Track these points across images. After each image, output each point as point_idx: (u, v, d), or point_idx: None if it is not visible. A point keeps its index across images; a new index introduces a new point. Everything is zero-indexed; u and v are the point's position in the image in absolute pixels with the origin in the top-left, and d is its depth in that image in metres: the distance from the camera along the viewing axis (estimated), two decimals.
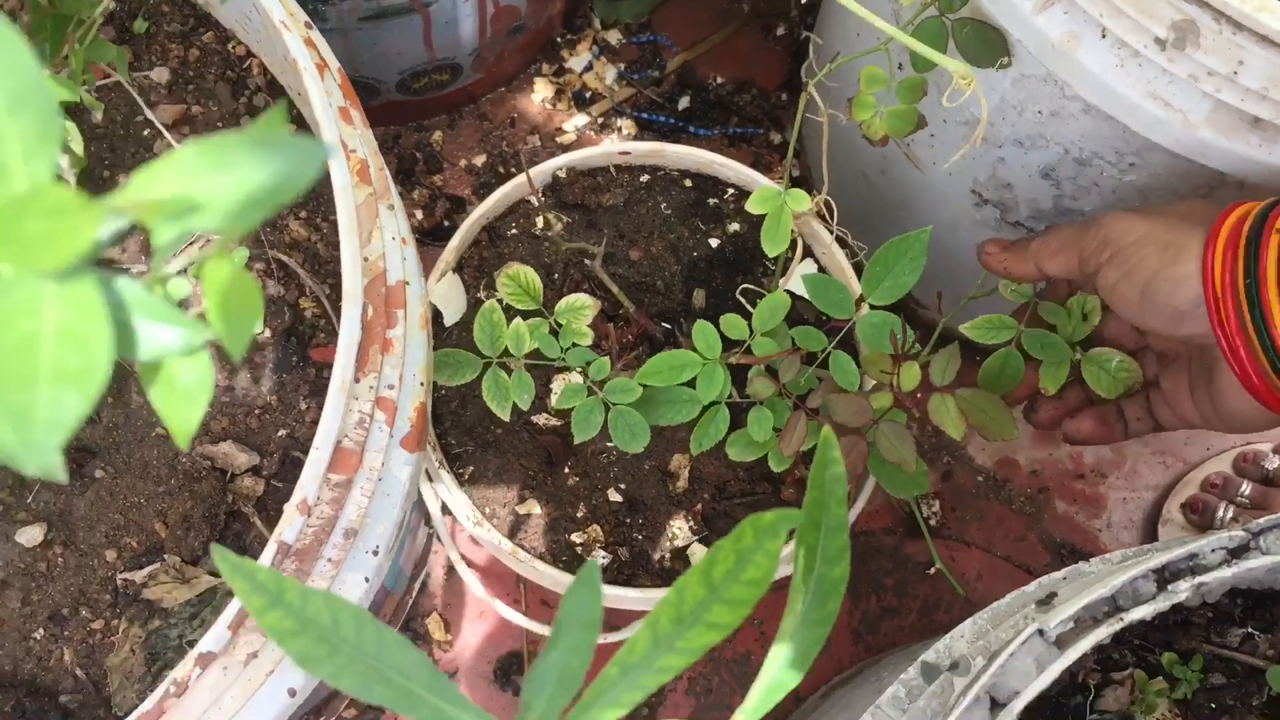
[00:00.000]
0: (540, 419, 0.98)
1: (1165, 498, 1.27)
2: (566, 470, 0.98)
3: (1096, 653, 0.74)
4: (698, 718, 1.22)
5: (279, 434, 0.73)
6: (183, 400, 0.25)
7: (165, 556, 0.70)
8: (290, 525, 0.59)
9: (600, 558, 0.96)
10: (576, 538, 0.97)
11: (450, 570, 1.22)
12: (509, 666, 1.23)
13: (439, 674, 0.37)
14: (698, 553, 0.97)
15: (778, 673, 0.46)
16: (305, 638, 0.37)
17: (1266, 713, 0.75)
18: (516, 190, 1.00)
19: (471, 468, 0.97)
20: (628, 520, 0.97)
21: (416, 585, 1.18)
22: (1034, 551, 1.28)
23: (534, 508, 0.97)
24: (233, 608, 0.57)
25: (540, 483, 0.97)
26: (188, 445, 0.42)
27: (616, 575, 0.96)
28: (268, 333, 0.74)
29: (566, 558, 0.96)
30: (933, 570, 1.26)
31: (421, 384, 0.73)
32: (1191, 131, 0.74)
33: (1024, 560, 1.28)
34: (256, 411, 0.73)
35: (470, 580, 1.05)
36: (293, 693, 0.68)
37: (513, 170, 1.34)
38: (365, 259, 0.65)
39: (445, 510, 1.00)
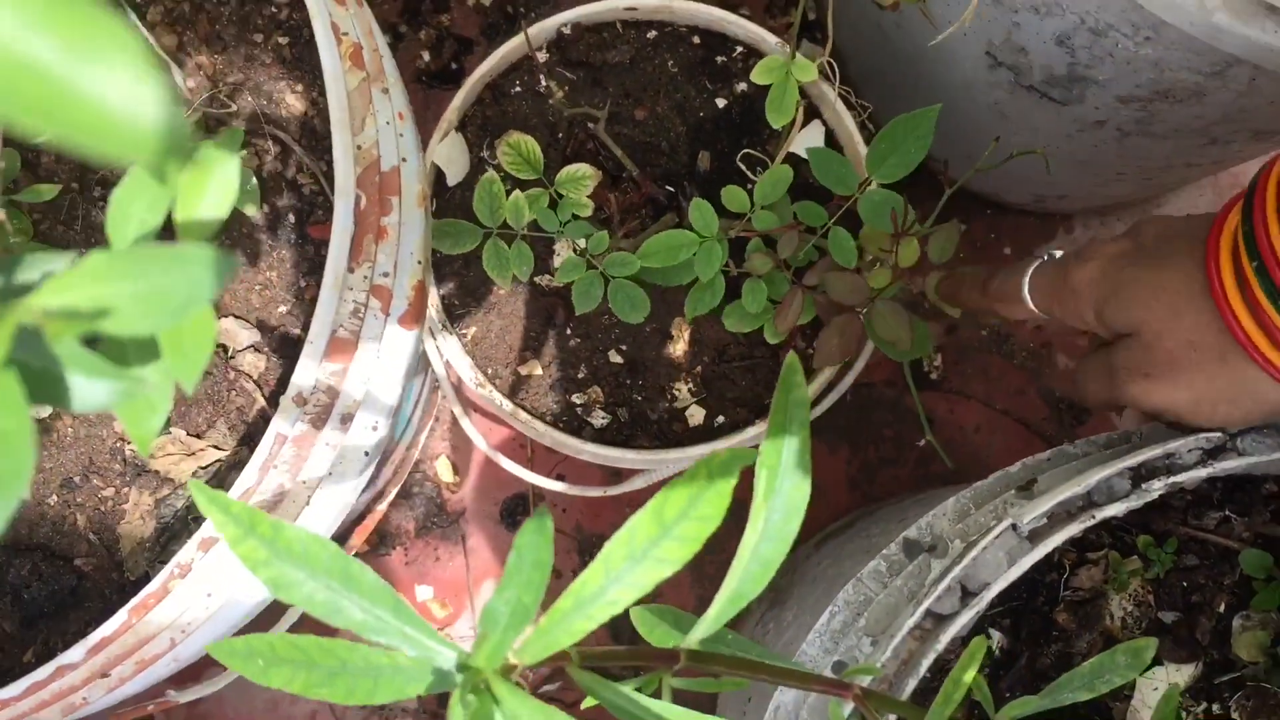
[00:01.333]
0: (543, 281, 0.99)
1: None
2: (568, 332, 0.99)
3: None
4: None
5: (279, 310, 0.74)
6: (143, 411, 0.26)
7: (171, 430, 0.72)
8: (286, 417, 0.60)
9: (600, 418, 0.99)
10: (577, 398, 0.99)
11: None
12: (514, 508, 1.27)
13: (403, 601, 0.39)
14: (695, 415, 0.99)
15: (738, 585, 0.48)
16: (277, 566, 0.39)
17: (1236, 592, 0.78)
18: (519, 48, 0.98)
19: (474, 329, 0.98)
20: (627, 382, 0.99)
21: (424, 435, 1.21)
22: (1033, 405, 1.30)
23: (535, 369, 0.98)
24: (234, 492, 0.60)
25: (542, 344, 0.99)
26: (148, 452, 0.43)
27: (615, 436, 0.99)
28: (266, 209, 0.74)
29: (567, 418, 0.98)
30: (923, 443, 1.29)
31: (419, 261, 0.73)
32: (1206, 15, 0.71)
33: (1023, 414, 1.30)
34: (257, 289, 0.74)
35: (475, 436, 1.08)
36: None
37: (521, 9, 1.31)
38: (359, 147, 0.64)
39: (450, 374, 1.02)
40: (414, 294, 0.72)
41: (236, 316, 0.74)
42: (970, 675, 0.53)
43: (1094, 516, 0.63)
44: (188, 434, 0.72)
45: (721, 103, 1.01)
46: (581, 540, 1.27)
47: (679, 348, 1.00)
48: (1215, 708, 0.76)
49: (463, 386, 1.12)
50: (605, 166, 0.99)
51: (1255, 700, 0.75)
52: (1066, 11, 0.84)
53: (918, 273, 0.86)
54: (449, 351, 0.95)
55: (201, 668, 0.92)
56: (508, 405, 0.96)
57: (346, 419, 0.65)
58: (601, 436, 0.98)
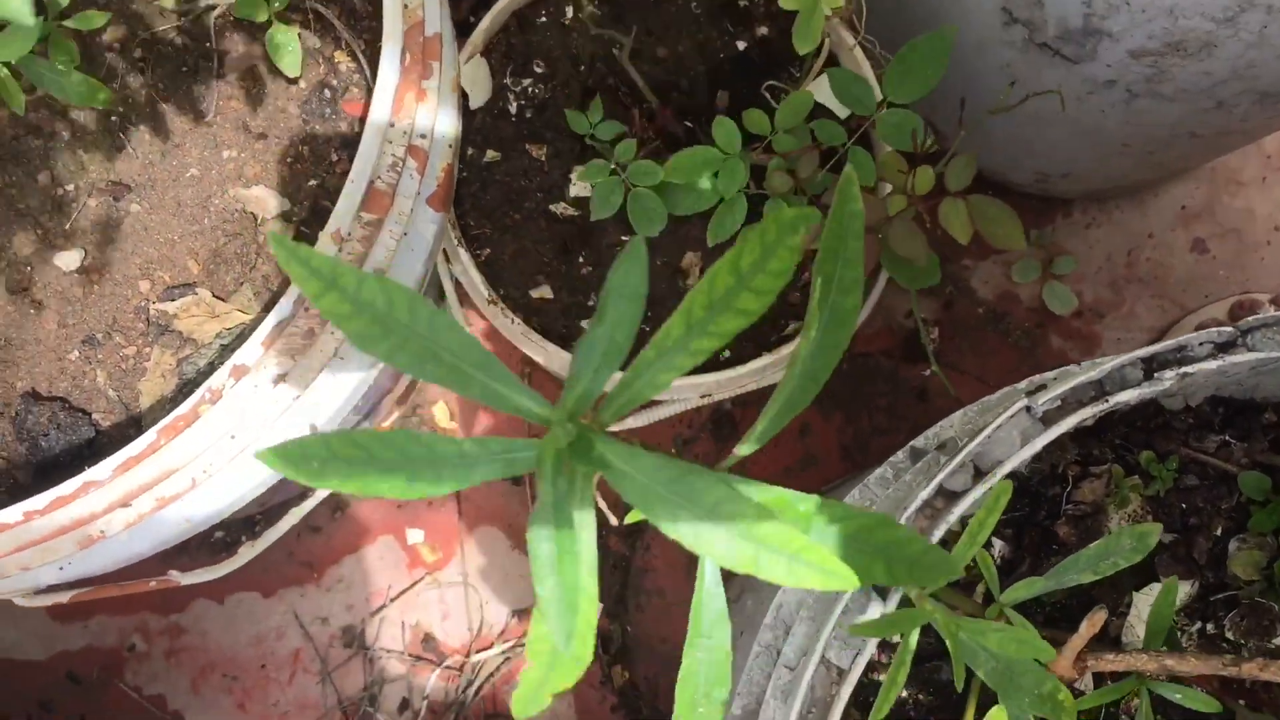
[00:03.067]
0: (558, 208, 1.00)
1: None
2: (580, 260, 1.00)
3: (1078, 446, 0.78)
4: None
5: (310, 183, 0.75)
6: None
7: (197, 290, 0.72)
8: (324, 251, 0.61)
9: None
10: (586, 324, 1.00)
11: None
12: None
13: (489, 353, 0.40)
14: None
15: (792, 391, 0.49)
16: (361, 319, 0.40)
17: (1233, 516, 0.80)
18: None
19: (489, 250, 0.99)
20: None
21: None
22: None
23: (546, 293, 0.99)
24: (267, 324, 0.60)
25: (554, 269, 1.00)
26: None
27: (625, 365, 1.00)
28: (302, 84, 0.75)
29: (576, 340, 0.99)
30: (927, 373, 1.30)
31: (450, 146, 0.75)
32: None
33: None
34: (289, 161, 0.75)
35: None
36: (314, 429, 0.72)
37: None
38: (405, 5, 0.66)
39: (460, 298, 1.03)
40: (443, 176, 0.73)
41: (267, 185, 0.74)
42: (995, 515, 0.54)
43: (1107, 401, 0.64)
44: (213, 295, 0.73)
45: (742, 45, 1.03)
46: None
47: (689, 282, 1.01)
48: (1210, 627, 0.77)
49: (470, 317, 1.13)
50: (626, 101, 1.01)
51: (1250, 619, 0.76)
52: None
53: (928, 209, 0.88)
54: (461, 270, 0.96)
55: (204, 553, 0.91)
56: (518, 324, 0.97)
57: (379, 273, 0.66)
58: None
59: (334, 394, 0.68)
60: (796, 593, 0.76)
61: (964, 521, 0.73)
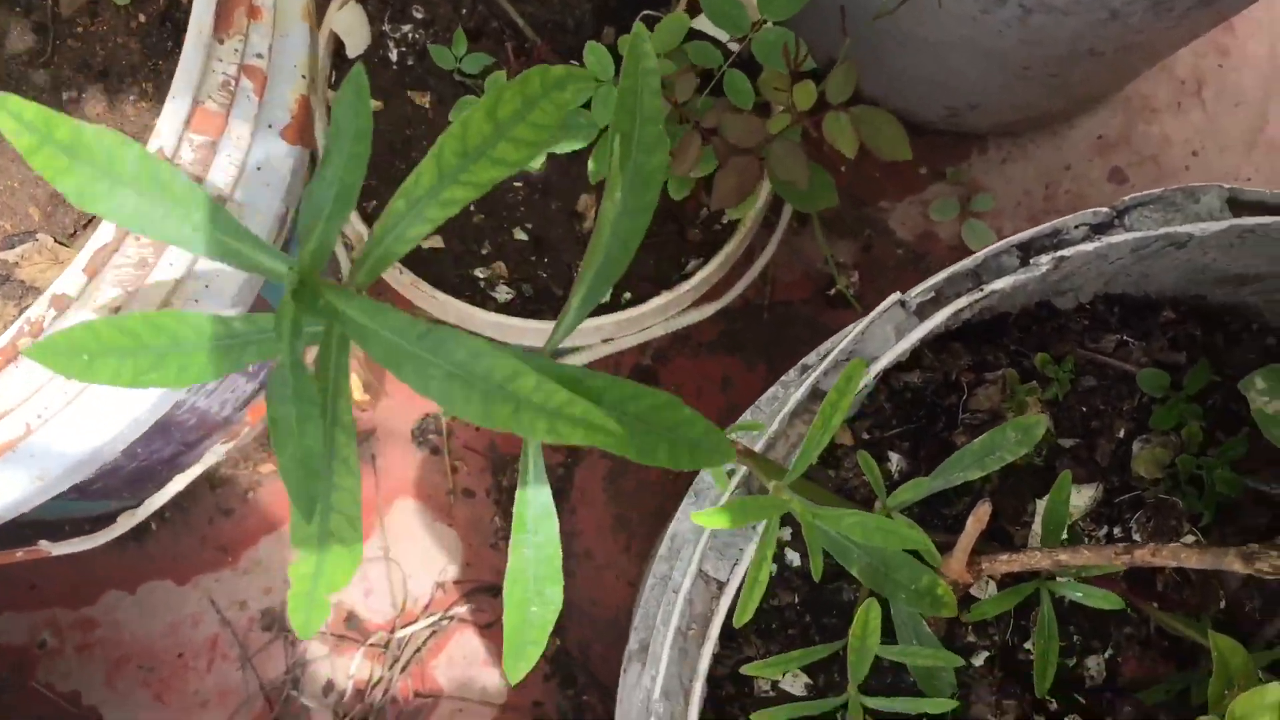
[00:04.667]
0: None
1: None
2: (471, 208, 0.97)
3: (971, 353, 0.76)
4: (611, 477, 1.24)
5: (154, 120, 0.71)
6: None
7: (38, 237, 0.69)
8: None
9: (504, 293, 0.97)
10: (480, 273, 0.97)
11: None
12: (426, 426, 1.24)
13: (221, 208, 0.37)
14: None
15: (601, 260, 0.46)
16: (80, 173, 0.37)
17: (1135, 418, 0.78)
18: None
19: (375, 201, 0.96)
20: (532, 258, 0.97)
21: None
22: None
23: (437, 242, 0.96)
24: (87, 252, 0.57)
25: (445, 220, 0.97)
26: None
27: (521, 309, 0.97)
28: (142, 17, 0.72)
29: (470, 292, 0.96)
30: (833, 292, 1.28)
31: (303, 76, 0.71)
32: None
33: None
34: (131, 98, 0.72)
35: None
36: None
37: None
38: None
39: (351, 257, 1.00)
40: (297, 108, 0.70)
41: (111, 125, 0.71)
42: (849, 396, 0.51)
43: (982, 289, 0.62)
44: (55, 240, 0.69)
45: None
46: (496, 460, 1.24)
47: (585, 225, 0.98)
48: (1117, 530, 0.75)
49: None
50: (510, 42, 0.98)
51: (1156, 518, 0.74)
52: None
53: (817, 119, 0.85)
54: (349, 227, 0.93)
55: (84, 525, 0.87)
56: (406, 275, 0.94)
57: (220, 199, 0.62)
58: (507, 310, 0.96)
59: None
60: (689, 521, 0.74)
61: (852, 426, 0.71)
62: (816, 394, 0.62)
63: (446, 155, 0.40)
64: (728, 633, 0.68)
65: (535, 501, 0.45)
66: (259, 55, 0.64)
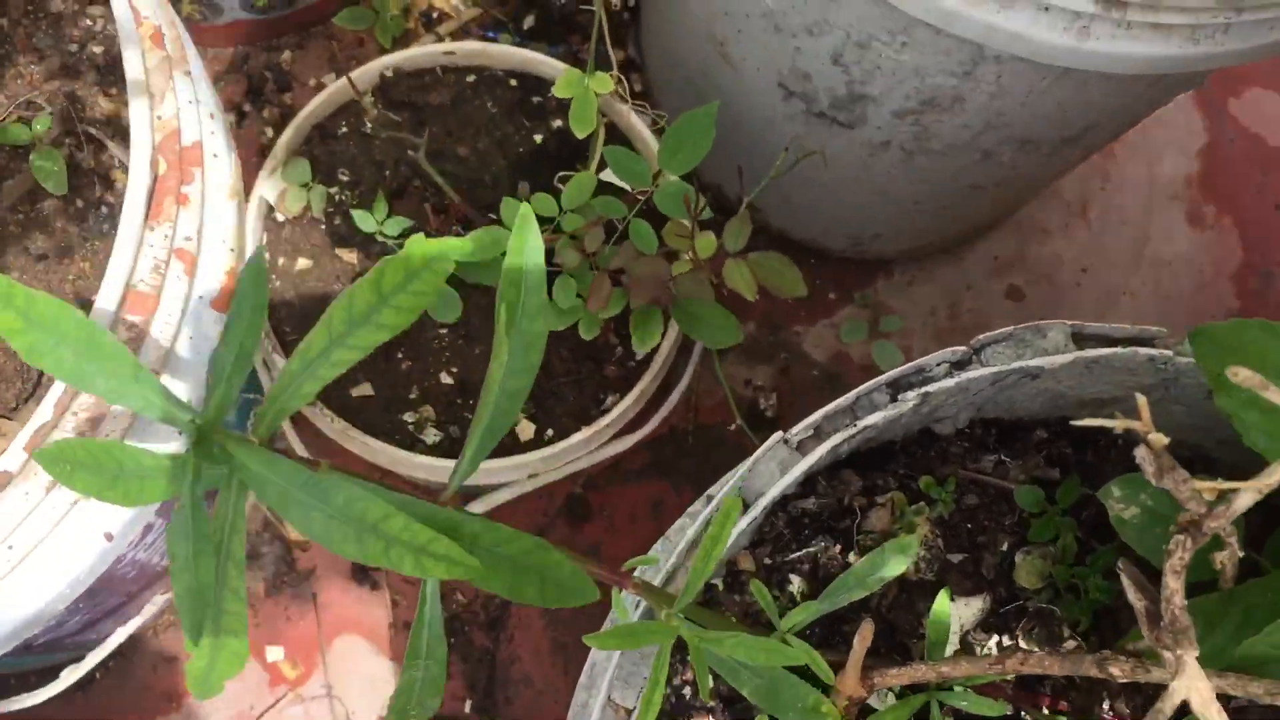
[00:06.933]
0: None
1: None
2: (400, 355, 1.03)
3: (862, 479, 0.81)
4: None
5: (93, 299, 0.77)
6: None
7: None
8: None
9: (432, 436, 1.02)
10: (409, 417, 1.02)
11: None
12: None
13: (142, 367, 0.43)
14: (526, 430, 1.02)
15: (490, 418, 0.52)
16: (31, 334, 0.42)
17: (1017, 531, 0.84)
18: (343, 91, 1.05)
19: None
20: (459, 401, 1.03)
21: None
22: None
23: (367, 390, 1.02)
24: (27, 430, 0.62)
25: (374, 367, 1.02)
26: None
27: (449, 451, 1.02)
28: (80, 203, 0.78)
29: (399, 436, 1.01)
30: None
31: (231, 250, 0.77)
32: (938, 2, 0.81)
33: None
34: (70, 279, 0.77)
35: None
36: (109, 537, 0.72)
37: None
38: (159, 117, 0.69)
39: None
40: (226, 279, 0.75)
41: None
42: (727, 530, 0.56)
43: (857, 424, 0.68)
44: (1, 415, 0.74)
45: (539, 138, 1.08)
46: None
47: None
48: (1005, 639, 0.81)
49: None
50: (431, 200, 1.05)
51: (1040, 627, 0.79)
52: (834, 27, 0.94)
53: (718, 265, 0.92)
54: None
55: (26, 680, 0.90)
56: (338, 423, 0.99)
57: (155, 373, 0.67)
58: (435, 452, 1.01)
59: None
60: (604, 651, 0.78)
61: (754, 552, 0.76)
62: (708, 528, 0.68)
63: (335, 322, 0.46)
64: None
65: (431, 631, 0.50)
66: (188, 238, 0.70)
